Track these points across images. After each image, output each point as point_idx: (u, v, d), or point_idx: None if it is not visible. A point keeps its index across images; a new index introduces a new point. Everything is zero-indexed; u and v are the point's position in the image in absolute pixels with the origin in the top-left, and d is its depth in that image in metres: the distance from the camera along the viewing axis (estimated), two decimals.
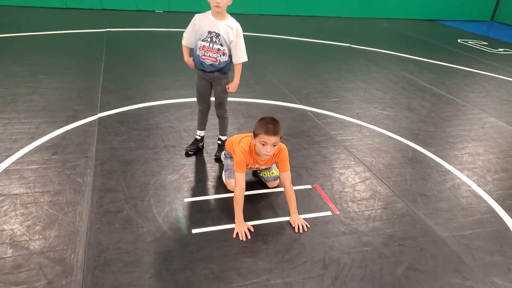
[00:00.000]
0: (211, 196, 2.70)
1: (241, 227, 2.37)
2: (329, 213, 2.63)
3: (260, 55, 6.31)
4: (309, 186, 2.91)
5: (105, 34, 6.74)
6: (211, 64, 2.81)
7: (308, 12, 10.37)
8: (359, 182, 3.02)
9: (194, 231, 2.35)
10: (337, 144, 3.59)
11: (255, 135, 2.41)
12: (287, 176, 2.53)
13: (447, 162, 3.44)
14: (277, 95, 4.68)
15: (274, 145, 2.39)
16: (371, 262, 2.24)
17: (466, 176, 3.24)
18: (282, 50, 6.93)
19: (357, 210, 2.68)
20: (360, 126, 4.03)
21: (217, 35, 2.71)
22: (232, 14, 2.81)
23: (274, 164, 2.76)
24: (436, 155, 3.54)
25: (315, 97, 4.73)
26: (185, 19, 2.56)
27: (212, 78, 2.91)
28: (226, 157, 2.89)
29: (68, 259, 2.06)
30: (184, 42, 2.89)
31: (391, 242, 2.41)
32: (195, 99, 3.13)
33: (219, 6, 2.63)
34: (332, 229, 2.48)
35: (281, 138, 2.42)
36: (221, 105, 3.06)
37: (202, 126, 3.19)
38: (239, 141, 2.62)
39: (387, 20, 10.81)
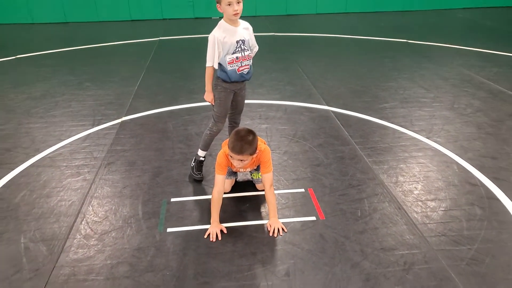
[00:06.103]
0: (200, 197, 2.75)
1: (214, 228, 2.38)
2: (313, 218, 2.51)
3: (301, 56, 6.20)
4: (302, 190, 2.80)
5: (157, 42, 7.22)
6: (248, 72, 2.75)
7: (368, 8, 9.89)
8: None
9: (169, 229, 2.42)
10: (351, 146, 3.39)
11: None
12: (267, 178, 2.47)
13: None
14: (304, 95, 4.57)
15: (241, 160, 2.37)
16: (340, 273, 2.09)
17: None
18: (326, 49, 6.73)
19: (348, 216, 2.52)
20: (386, 127, 3.76)
21: (243, 41, 2.66)
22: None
23: None
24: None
25: (346, 97, 4.52)
26: None
27: (241, 86, 2.82)
28: None
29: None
30: (212, 64, 2.69)
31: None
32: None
33: (238, 14, 2.58)
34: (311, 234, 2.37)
35: (251, 154, 2.36)
36: (241, 111, 3.00)
37: (208, 147, 2.97)
38: (225, 143, 2.63)
39: (464, 10, 9.80)
